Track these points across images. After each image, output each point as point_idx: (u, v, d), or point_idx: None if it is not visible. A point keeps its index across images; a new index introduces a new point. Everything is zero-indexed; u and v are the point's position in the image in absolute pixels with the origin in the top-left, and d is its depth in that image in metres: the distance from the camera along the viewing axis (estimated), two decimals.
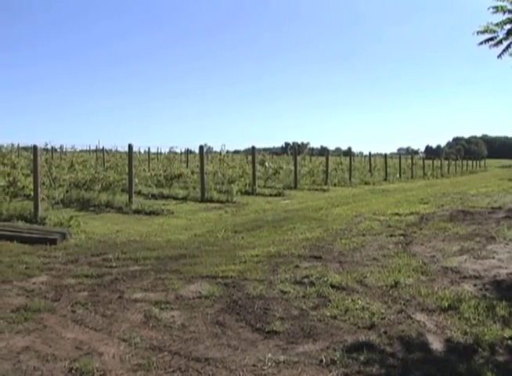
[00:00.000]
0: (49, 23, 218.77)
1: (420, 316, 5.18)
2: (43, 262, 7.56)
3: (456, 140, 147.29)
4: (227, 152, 27.59)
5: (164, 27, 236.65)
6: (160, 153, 45.92)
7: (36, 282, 6.44)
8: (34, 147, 11.93)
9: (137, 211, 13.42)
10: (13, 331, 4.74)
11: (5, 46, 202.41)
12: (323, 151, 48.93)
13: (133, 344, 4.45)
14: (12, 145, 37.56)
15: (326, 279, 6.41)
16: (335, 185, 25.19)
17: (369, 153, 37.76)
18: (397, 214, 13.22)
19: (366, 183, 27.59)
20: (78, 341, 4.52)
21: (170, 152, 43.49)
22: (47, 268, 7.18)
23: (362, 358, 4.11)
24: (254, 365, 4.03)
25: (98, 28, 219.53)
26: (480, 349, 4.31)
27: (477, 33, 7.17)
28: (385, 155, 37.09)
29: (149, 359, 4.11)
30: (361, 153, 66.24)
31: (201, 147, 18.41)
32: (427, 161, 47.75)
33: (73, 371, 3.90)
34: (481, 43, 7.24)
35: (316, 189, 22.34)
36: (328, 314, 5.21)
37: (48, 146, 33.75)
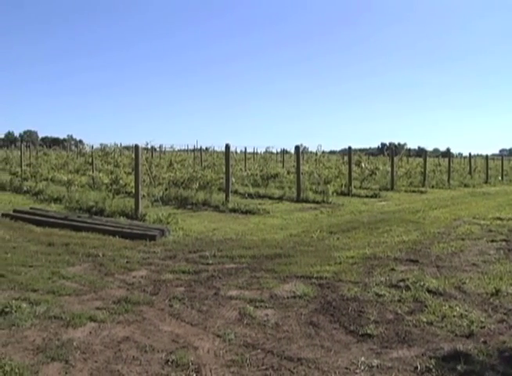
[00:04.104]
0: (150, 23, 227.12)
1: None
2: (143, 256, 7.88)
3: None
4: (323, 152, 27.34)
5: (265, 30, 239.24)
6: (257, 153, 46.58)
7: (136, 276, 6.74)
8: (136, 146, 12.40)
9: (233, 210, 13.68)
10: (115, 321, 5.00)
11: (105, 47, 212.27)
12: (421, 152, 47.76)
13: (227, 340, 4.55)
14: (115, 144, 39.19)
15: (422, 283, 6.25)
16: (433, 187, 24.49)
17: (469, 155, 36.34)
18: (499, 218, 12.65)
19: (466, 186, 26.57)
20: (175, 335, 4.68)
21: (266, 152, 44.07)
22: (146, 263, 7.48)
23: (459, 368, 3.97)
24: (346, 368, 4.00)
25: (199, 28, 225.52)
26: None
27: None
28: (486, 156, 35.51)
29: (242, 356, 4.18)
30: (460, 155, 64.25)
31: (297, 147, 18.46)
32: None
33: (170, 363, 4.05)
34: None
35: (413, 191, 21.81)
36: (424, 320, 5.08)
37: (149, 146, 34.83)
